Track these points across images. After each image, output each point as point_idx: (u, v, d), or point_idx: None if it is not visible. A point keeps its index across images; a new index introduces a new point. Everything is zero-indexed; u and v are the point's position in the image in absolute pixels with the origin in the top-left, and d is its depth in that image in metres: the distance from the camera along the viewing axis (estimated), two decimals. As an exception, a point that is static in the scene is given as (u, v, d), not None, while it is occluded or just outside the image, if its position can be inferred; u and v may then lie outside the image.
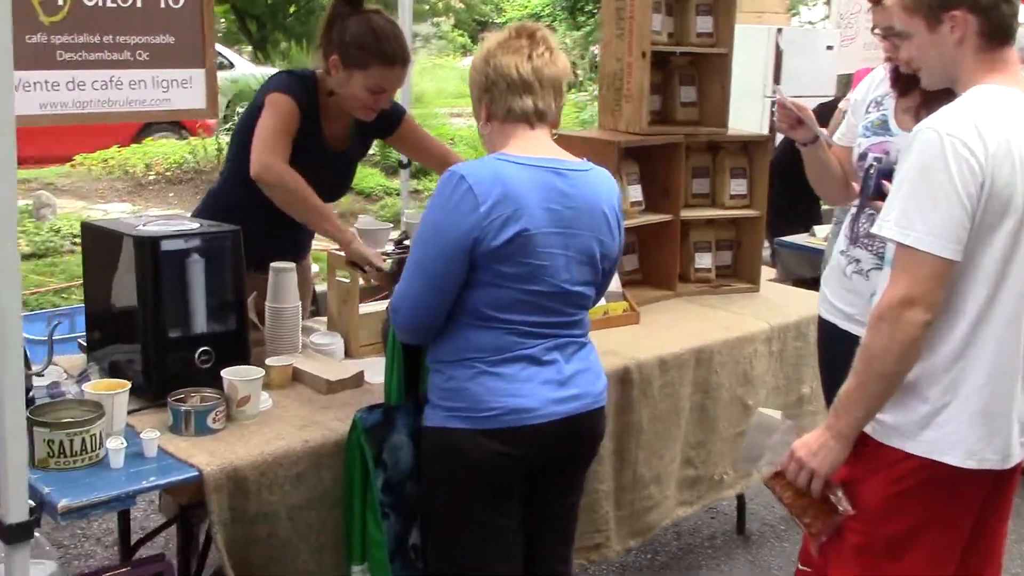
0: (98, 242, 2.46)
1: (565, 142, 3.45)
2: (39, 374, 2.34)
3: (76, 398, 2.20)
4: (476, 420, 2.08)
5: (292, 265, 2.75)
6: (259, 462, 2.12)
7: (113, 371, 2.43)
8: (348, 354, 2.77)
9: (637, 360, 2.90)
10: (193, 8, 4.51)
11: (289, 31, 18.90)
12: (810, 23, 14.22)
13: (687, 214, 3.58)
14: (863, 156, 2.65)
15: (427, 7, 22.75)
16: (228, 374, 2.28)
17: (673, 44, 3.49)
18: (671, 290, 3.57)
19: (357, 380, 2.55)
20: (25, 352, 2.30)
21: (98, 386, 2.19)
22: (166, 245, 2.30)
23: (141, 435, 2.09)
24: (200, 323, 2.38)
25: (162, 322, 2.31)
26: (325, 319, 2.93)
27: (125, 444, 2.04)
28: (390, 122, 3.02)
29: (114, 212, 8.02)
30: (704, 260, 3.70)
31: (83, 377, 2.43)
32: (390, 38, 2.73)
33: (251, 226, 2.68)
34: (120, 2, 4.34)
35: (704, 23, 3.49)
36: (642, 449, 2.96)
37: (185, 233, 2.35)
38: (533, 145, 2.14)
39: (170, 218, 2.53)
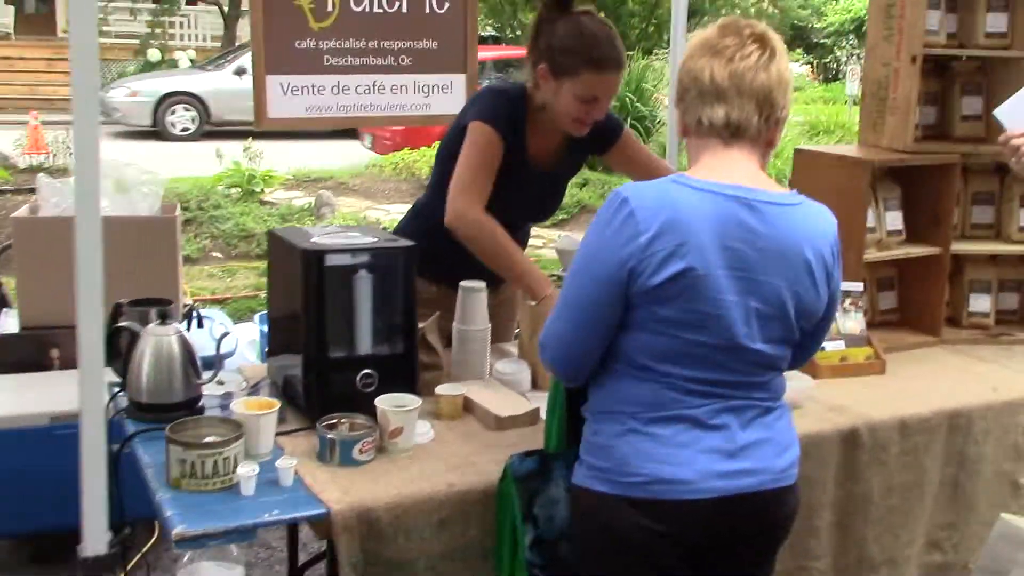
0: (278, 251, 2.39)
1: (811, 158, 3.05)
2: (207, 382, 2.29)
3: (223, 416, 2.12)
4: (620, 485, 1.78)
5: (482, 285, 2.55)
6: (395, 503, 1.93)
7: (286, 386, 2.35)
8: (536, 385, 2.53)
9: (869, 420, 2.45)
10: (457, 13, 4.48)
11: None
12: None
13: (962, 247, 3.04)
14: None
15: (738, 13, 22.12)
16: (383, 402, 2.12)
17: (954, 46, 2.96)
18: (934, 336, 3.04)
19: (532, 417, 2.30)
20: (195, 361, 2.27)
21: (248, 404, 2.10)
22: (332, 260, 2.18)
23: (278, 462, 1.96)
24: (365, 344, 2.23)
25: (323, 340, 2.19)
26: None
27: (257, 471, 1.92)
28: (606, 138, 2.75)
29: (395, 213, 8.31)
30: (981, 303, 3.12)
31: (254, 390, 2.37)
32: (601, 40, 2.47)
33: (451, 243, 2.55)
34: (387, 7, 4.39)
35: (996, 21, 2.94)
36: (872, 525, 2.50)
37: (354, 247, 2.22)
38: (724, 167, 1.79)
39: (353, 230, 2.41)
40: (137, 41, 18.27)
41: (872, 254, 2.88)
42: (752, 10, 22.92)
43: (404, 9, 4.39)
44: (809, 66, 28.96)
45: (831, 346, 2.76)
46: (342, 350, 2.22)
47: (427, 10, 4.40)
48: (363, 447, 2.05)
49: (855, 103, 19.19)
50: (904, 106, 2.87)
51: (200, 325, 4.05)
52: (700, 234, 1.71)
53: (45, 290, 3.25)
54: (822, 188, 2.85)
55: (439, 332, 2.53)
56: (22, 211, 3.51)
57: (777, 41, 1.81)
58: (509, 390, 2.46)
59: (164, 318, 2.28)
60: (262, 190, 8.59)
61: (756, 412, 1.83)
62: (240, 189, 8.49)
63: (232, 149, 8.67)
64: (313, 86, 4.35)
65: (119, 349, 2.28)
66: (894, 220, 2.94)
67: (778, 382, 1.88)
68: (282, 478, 1.95)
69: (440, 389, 2.34)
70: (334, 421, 2.11)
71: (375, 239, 2.30)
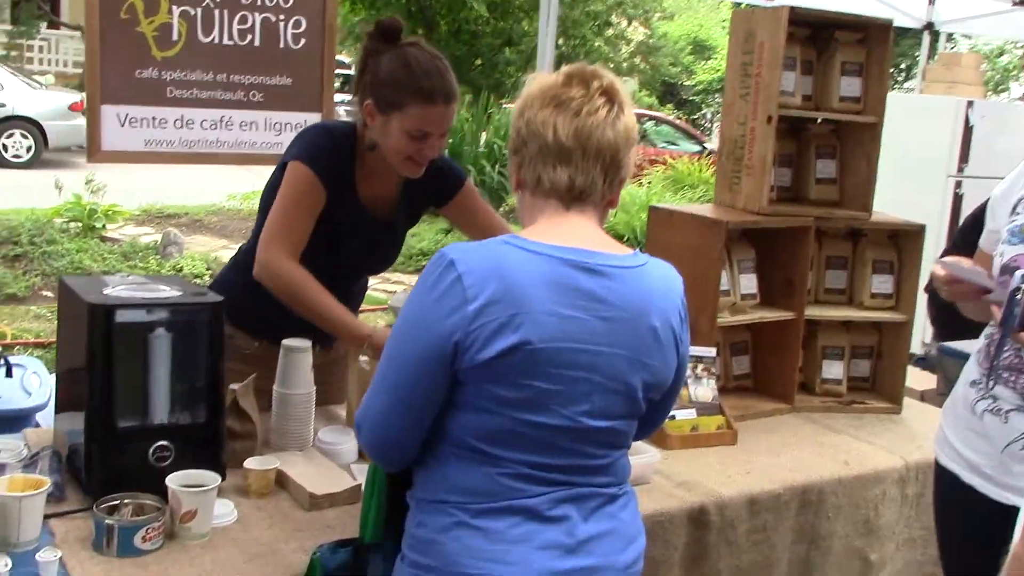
0: (67, 302, 2.09)
1: (666, 216, 2.93)
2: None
3: (-22, 497, 1.81)
4: None
5: (306, 344, 2.31)
6: (178, 604, 1.67)
7: (71, 457, 2.05)
8: (363, 456, 2.30)
9: (718, 497, 2.30)
10: (314, 48, 4.26)
11: (473, 84, 19.01)
12: (1021, 99, 13.02)
13: (816, 312, 2.95)
14: (1006, 269, 1.98)
15: (611, 67, 22.50)
16: (174, 481, 1.85)
17: (809, 108, 2.90)
18: (787, 403, 2.94)
19: (353, 495, 2.06)
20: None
21: (12, 483, 1.80)
22: (123, 316, 1.90)
23: (38, 555, 1.67)
24: (160, 412, 1.96)
25: (109, 406, 1.91)
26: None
27: (9, 566, 1.62)
28: (445, 189, 2.56)
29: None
30: (834, 370, 3.04)
31: (31, 462, 2.06)
32: (429, 71, 2.27)
33: (275, 302, 2.33)
34: (238, 39, 4.14)
35: (850, 85, 2.88)
36: (720, 610, 2.35)
37: (151, 302, 1.95)
38: (562, 230, 1.61)
39: (158, 280, 2.14)
40: (-10, 63, 17.35)
41: (726, 318, 2.76)
42: (624, 65, 23.43)
43: (257, 42, 4.15)
44: (680, 120, 29.71)
45: (682, 415, 2.62)
46: (133, 418, 1.94)
47: (281, 44, 4.17)
48: (147, 534, 1.78)
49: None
50: (759, 166, 2.78)
51: (9, 374, 3.68)
52: (535, 303, 1.52)
53: None
54: (676, 247, 2.74)
55: (257, 395, 2.28)
56: None
57: (624, 93, 1.65)
58: (330, 463, 2.22)
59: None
60: (103, 226, 8.07)
61: (600, 500, 1.64)
62: (80, 224, 7.97)
63: (75, 180, 8.15)
64: (154, 118, 4.06)
65: None
66: (748, 283, 2.84)
67: (622, 464, 1.70)
68: (43, 573, 1.66)
69: (249, 462, 2.08)
70: (116, 502, 1.83)
71: (179, 292, 2.03)
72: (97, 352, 1.90)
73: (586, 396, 1.57)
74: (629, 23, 22.79)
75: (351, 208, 2.42)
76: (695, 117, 29.38)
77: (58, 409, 2.22)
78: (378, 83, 2.28)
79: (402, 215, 2.56)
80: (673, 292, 1.68)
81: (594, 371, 1.57)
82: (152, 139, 4.09)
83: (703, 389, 2.69)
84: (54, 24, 19.33)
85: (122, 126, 4.06)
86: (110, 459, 1.92)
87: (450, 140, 11.35)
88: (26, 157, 13.70)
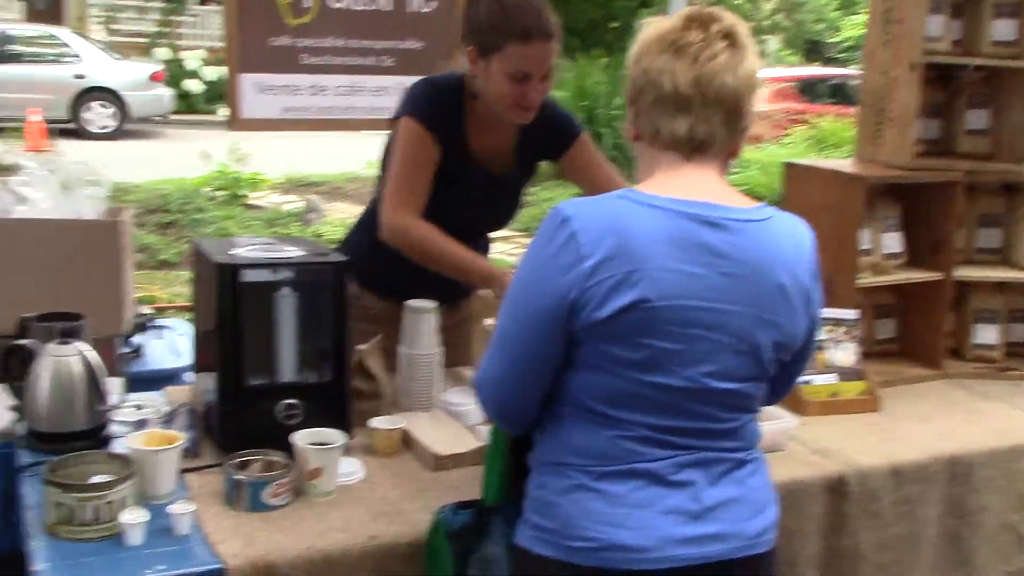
0: (199, 263, 2.14)
1: (802, 173, 2.80)
2: (112, 409, 2.05)
3: (113, 452, 1.88)
4: (566, 550, 1.52)
5: (430, 305, 2.30)
6: (304, 559, 1.68)
7: (207, 414, 2.10)
8: (489, 417, 2.28)
9: (858, 467, 2.19)
10: (443, 11, 4.26)
11: (608, 47, 18.76)
12: None
13: (966, 273, 2.77)
14: None
15: (752, 25, 21.83)
16: (300, 439, 1.87)
17: (958, 54, 2.70)
18: (936, 369, 2.78)
19: (477, 456, 2.04)
20: (100, 385, 2.03)
21: (148, 438, 1.86)
22: (249, 275, 1.93)
23: (171, 507, 1.72)
24: (288, 370, 1.99)
25: (239, 365, 1.95)
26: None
27: (146, 518, 1.67)
28: (559, 141, 2.49)
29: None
30: (987, 334, 2.86)
31: (170, 418, 2.13)
32: (524, 10, 2.22)
33: (397, 255, 2.33)
34: (367, 4, 4.18)
35: (1004, 28, 2.67)
36: (860, 583, 2.24)
37: (276, 262, 1.97)
38: (681, 182, 1.54)
39: (286, 241, 2.17)
40: (146, 40, 18.13)
41: (867, 278, 2.62)
42: (766, 22, 22.69)
43: (387, 7, 4.18)
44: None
45: (821, 380, 2.51)
46: (261, 377, 1.98)
47: (411, 8, 4.18)
48: (276, 490, 1.80)
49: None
50: (903, 118, 2.61)
51: (159, 336, 3.83)
52: (654, 259, 1.45)
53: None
54: (814, 205, 2.61)
55: (384, 355, 2.29)
56: (-44, 213, 3.27)
57: (747, 36, 1.56)
58: (456, 423, 2.21)
59: (67, 336, 2.03)
60: (247, 194, 8.34)
61: (727, 466, 1.57)
62: (226, 192, 8.26)
63: (218, 150, 8.46)
64: (289, 86, 4.14)
65: (15, 370, 2.04)
66: (892, 242, 2.69)
67: (751, 428, 1.62)
68: (176, 525, 1.70)
69: (375, 422, 2.09)
70: (246, 459, 1.86)
71: (304, 252, 2.05)
72: (225, 311, 1.93)
73: (709, 356, 1.50)
74: (770, -21, 22.04)
75: (463, 161, 2.39)
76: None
77: (196, 369, 2.29)
78: (477, 27, 2.26)
79: (517, 169, 2.51)
80: (802, 247, 1.58)
81: (717, 330, 1.50)
82: (288, 106, 4.17)
83: (843, 353, 2.56)
84: (204, 1, 20.04)
85: (259, 94, 4.14)
86: (240, 416, 1.96)
87: (584, 103, 11.21)
88: (112, 127, 14.04)
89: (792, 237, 1.57)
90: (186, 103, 16.91)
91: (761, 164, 9.86)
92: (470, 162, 2.40)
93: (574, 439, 1.54)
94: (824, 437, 2.31)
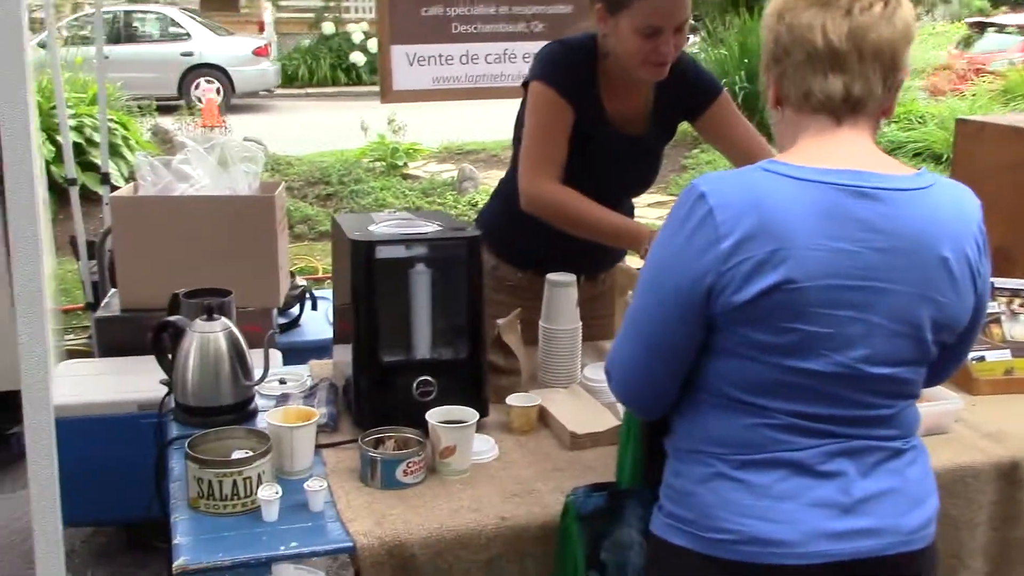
0: (338, 239, 2.15)
1: (975, 131, 2.55)
2: (257, 383, 2.08)
3: (252, 428, 1.91)
4: (705, 542, 1.44)
5: (570, 278, 2.24)
6: (435, 538, 1.66)
7: (346, 390, 2.12)
8: (630, 394, 2.21)
9: (1035, 452, 2.00)
10: (594, -27, 4.16)
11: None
12: None
13: None
14: None
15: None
16: (434, 416, 1.85)
17: None
18: None
19: (614, 436, 1.97)
20: (245, 360, 2.07)
21: (286, 415, 1.88)
22: (384, 252, 1.92)
23: (307, 483, 1.73)
24: (423, 347, 1.98)
25: (374, 342, 1.94)
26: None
27: (280, 494, 1.69)
28: (696, 100, 2.38)
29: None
30: None
31: (311, 393, 2.15)
32: None
33: (534, 225, 2.29)
34: (561, -20, 4.12)
35: None
36: (1036, 577, 2.06)
37: (409, 238, 1.95)
38: (829, 148, 1.42)
39: (423, 216, 2.15)
40: (312, 15, 18.67)
41: (1050, 245, 2.39)
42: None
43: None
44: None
45: (993, 356, 2.31)
46: (397, 354, 1.97)
47: (563, -29, 4.10)
48: (409, 468, 1.79)
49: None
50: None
51: (315, 307, 3.92)
52: (800, 236, 1.34)
53: (144, 271, 3.16)
54: (988, 165, 2.40)
55: (523, 327, 2.24)
56: (122, 191, 3.43)
57: None
58: (595, 401, 2.14)
59: (212, 312, 2.08)
60: (405, 164, 8.47)
61: (881, 455, 1.45)
62: (384, 163, 8.41)
63: (378, 121, 8.60)
64: (441, 55, 4.13)
65: (165, 345, 2.10)
66: (1080, 205, 2.43)
67: (909, 414, 1.49)
68: (311, 502, 1.72)
69: (512, 399, 2.05)
70: (380, 436, 1.86)
71: (439, 227, 2.02)
72: (360, 288, 1.93)
73: (864, 339, 1.38)
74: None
75: (599, 124, 2.31)
76: (1032, 19, 26.27)
77: (334, 340, 2.31)
78: None
79: (654, 129, 2.41)
80: (968, 217, 1.44)
81: (871, 311, 1.38)
82: (439, 76, 4.15)
83: (1020, 327, 2.35)
84: (368, -27, 20.43)
85: (411, 65, 4.15)
86: (376, 393, 1.96)
87: (745, 60, 10.79)
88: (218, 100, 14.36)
89: (956, 206, 1.44)
90: (353, 75, 17.37)
91: (940, 119, 9.26)
92: (606, 124, 2.32)
93: (712, 427, 1.45)
94: (996, 419, 2.12)
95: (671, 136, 2.48)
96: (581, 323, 2.26)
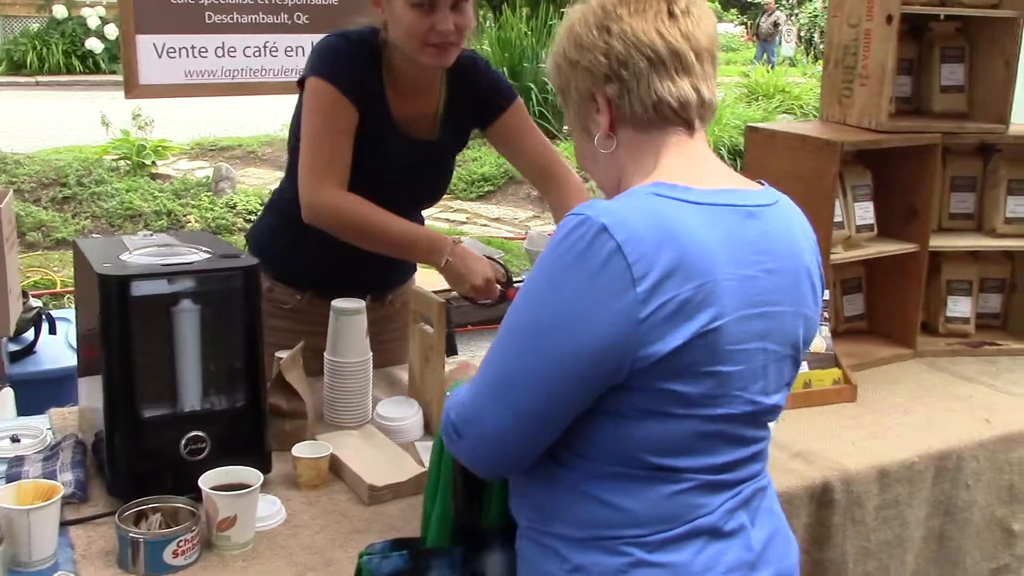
0: (82, 268, 1.80)
1: (765, 139, 2.53)
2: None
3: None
4: None
5: (358, 305, 2.01)
6: (217, 635, 1.40)
7: (96, 447, 1.78)
8: (429, 431, 2.01)
9: (843, 470, 1.97)
10: (358, -37, 3.91)
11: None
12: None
13: (940, 242, 2.57)
14: None
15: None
16: (208, 482, 1.57)
17: (935, 4, 2.46)
18: (909, 348, 2.57)
19: (418, 484, 1.77)
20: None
21: (22, 492, 1.53)
22: (141, 288, 1.61)
23: (51, 579, 1.41)
24: (191, 397, 1.68)
25: (130, 394, 1.63)
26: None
27: (13, 597, 1.36)
28: (490, 106, 2.20)
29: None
30: (960, 307, 2.66)
31: (53, 453, 1.80)
32: None
33: (316, 239, 2.04)
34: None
35: (982, -26, 2.44)
36: (845, 596, 2.03)
37: (172, 270, 1.65)
38: (701, 167, 1.29)
39: (185, 239, 1.84)
40: (42, -4, 17.17)
41: (840, 254, 2.39)
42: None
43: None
44: (744, 26, 28.67)
45: (791, 369, 2.28)
46: (160, 406, 1.66)
47: (325, -42, 3.83)
48: (180, 547, 1.50)
49: (791, 65, 18.86)
50: (877, 75, 2.37)
51: (52, 330, 3.46)
52: (717, 267, 1.19)
53: None
54: (780, 173, 2.35)
55: (305, 361, 1.98)
56: None
57: None
58: (391, 443, 1.92)
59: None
60: (153, 162, 7.82)
61: (759, 496, 1.35)
62: (130, 161, 7.72)
63: (121, 114, 7.87)
64: (193, 47, 3.76)
65: None
66: (864, 212, 2.46)
67: (767, 441, 1.39)
68: (55, 601, 1.40)
69: (298, 449, 1.79)
70: (143, 508, 1.56)
71: (207, 255, 1.73)
72: (112, 331, 1.61)
73: (763, 369, 1.27)
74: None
75: (384, 126, 2.09)
76: (759, 22, 28.24)
77: (79, 371, 1.95)
78: None
79: (445, 134, 2.21)
80: (808, 226, 1.39)
81: (768, 338, 1.27)
82: (193, 70, 3.79)
83: (817, 338, 2.33)
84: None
85: (160, 57, 3.76)
86: (134, 455, 1.65)
87: (506, 54, 10.80)
88: None
89: (800, 217, 1.37)
90: (90, 63, 16.12)
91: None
92: (393, 127, 2.11)
93: (620, 503, 1.24)
94: (802, 437, 2.08)
95: (463, 144, 2.29)
96: (371, 352, 2.04)
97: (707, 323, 1.18)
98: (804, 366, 2.30)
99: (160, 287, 1.63)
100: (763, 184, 1.36)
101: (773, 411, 1.33)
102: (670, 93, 1.26)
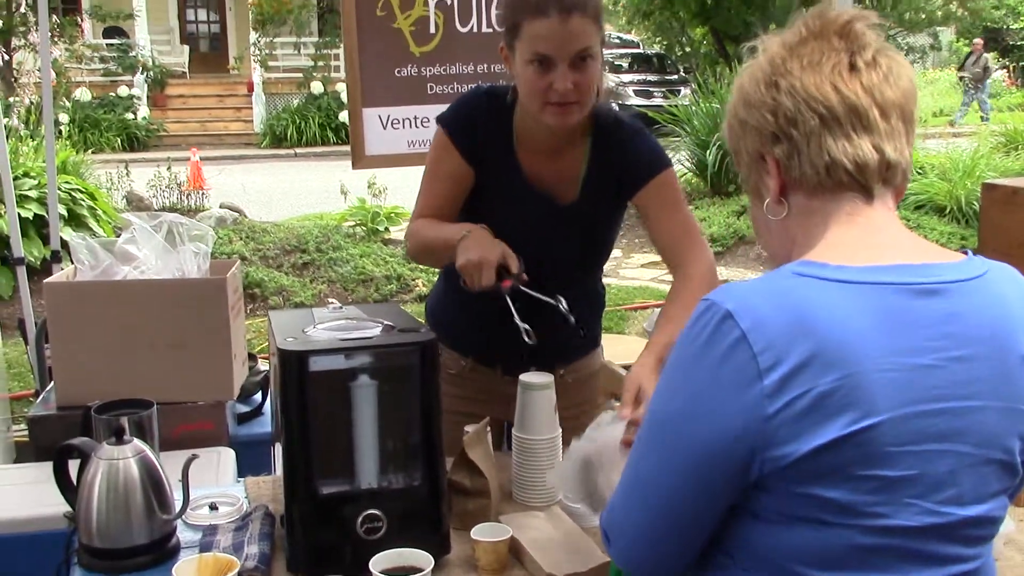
0: (272, 341, 1.83)
1: (1007, 197, 2.24)
2: (176, 517, 1.76)
3: None
4: None
5: (546, 379, 1.93)
6: None
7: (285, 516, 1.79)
8: (620, 514, 1.89)
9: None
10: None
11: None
12: None
13: None
14: None
15: (923, 16, 20.61)
16: (380, 564, 1.53)
17: None
18: None
19: (603, 572, 1.66)
20: (163, 490, 1.75)
21: (202, 567, 1.55)
22: (319, 363, 1.61)
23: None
24: (368, 474, 1.65)
25: (309, 470, 1.62)
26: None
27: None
28: (633, 176, 2.03)
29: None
30: None
31: (243, 523, 1.83)
32: None
33: (480, 311, 2.01)
34: (496, 25, 3.89)
35: None
36: None
37: (350, 345, 1.64)
38: (873, 238, 1.13)
39: (373, 312, 1.84)
40: (300, 75, 18.57)
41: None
42: (939, 12, 21.30)
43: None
44: (1005, 70, 26.90)
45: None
46: (337, 483, 1.64)
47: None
48: (348, 632, 1.46)
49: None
50: None
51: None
52: (867, 357, 1.04)
53: (82, 364, 2.85)
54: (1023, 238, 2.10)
55: (487, 435, 1.92)
56: (57, 276, 3.13)
57: (879, 37, 1.17)
58: (577, 528, 1.82)
59: (122, 434, 1.76)
60: (386, 228, 8.16)
61: None
62: (364, 228, 8.11)
63: (358, 183, 8.29)
64: (416, 117, 3.89)
65: (68, 474, 1.79)
66: None
67: (990, 564, 1.19)
68: None
69: (477, 531, 1.72)
70: (316, 588, 1.53)
71: (386, 328, 1.71)
72: (291, 405, 1.61)
73: (953, 476, 1.09)
74: (942, -33, 20.74)
75: (513, 181, 2.04)
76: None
77: (272, 439, 1.98)
78: (501, 16, 1.95)
79: (588, 197, 2.07)
80: None
81: (959, 438, 1.08)
82: (415, 139, 3.93)
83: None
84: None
85: (384, 129, 3.91)
86: (311, 531, 1.64)
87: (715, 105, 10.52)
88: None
89: (1018, 291, 1.16)
90: (342, 134, 17.22)
91: (941, 170, 8.95)
92: (523, 183, 2.05)
93: None
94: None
95: (615, 210, 2.13)
96: (560, 431, 1.95)
97: (855, 421, 1.02)
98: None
99: (338, 362, 1.62)
100: (968, 254, 1.17)
101: (977, 525, 1.12)
102: (845, 154, 1.11)
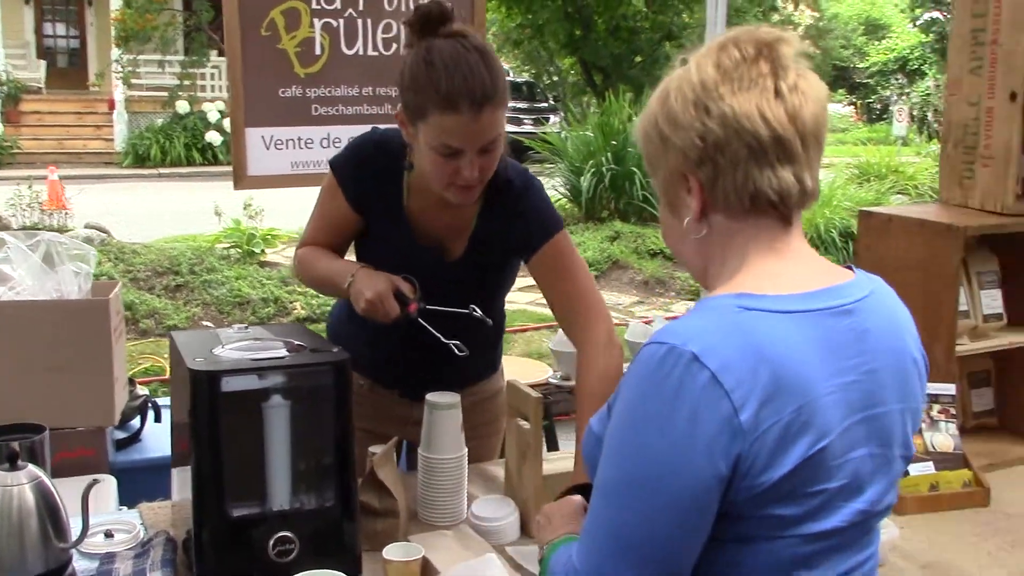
0: (176, 359, 1.79)
1: (881, 224, 2.41)
2: (74, 545, 1.69)
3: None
4: None
5: (453, 399, 1.95)
6: None
7: (187, 542, 1.74)
8: (525, 532, 1.91)
9: (979, 586, 1.80)
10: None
11: (632, 81, 18.45)
12: None
13: (1076, 332, 2.38)
14: None
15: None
16: (295, 586, 1.51)
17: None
18: (1046, 446, 2.38)
19: (513, 590, 1.68)
20: (59, 517, 1.68)
21: (106, 593, 1.50)
22: (231, 383, 1.58)
23: None
24: (280, 496, 1.63)
25: (219, 492, 1.59)
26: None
27: None
28: (526, 241, 2.00)
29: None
30: (1101, 401, 2.45)
31: (143, 550, 1.77)
32: (452, 69, 1.74)
33: (375, 335, 2.03)
34: (383, 49, 3.88)
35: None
36: None
37: (262, 365, 1.62)
38: (795, 265, 1.19)
39: (279, 333, 1.82)
40: (166, 93, 18.06)
41: (966, 345, 2.24)
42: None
43: (403, 51, 3.87)
44: (852, 106, 28.41)
45: (916, 469, 2.12)
46: (248, 505, 1.61)
47: (428, 51, 3.89)
48: (263, 656, 1.44)
49: (903, 144, 18.51)
50: (1002, 156, 2.24)
51: (158, 419, 3.49)
52: (815, 383, 1.09)
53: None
54: (898, 260, 2.23)
55: (394, 456, 1.92)
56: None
57: (801, 56, 1.19)
58: (487, 544, 1.84)
59: (15, 459, 1.68)
60: (262, 251, 8.01)
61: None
62: (240, 250, 7.93)
63: (233, 204, 8.09)
64: (300, 139, 3.84)
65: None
66: (991, 301, 2.30)
67: (877, 538, 1.27)
68: None
69: (389, 551, 1.72)
70: (228, 613, 1.50)
71: (296, 348, 1.70)
72: (201, 426, 1.58)
73: (872, 476, 1.16)
74: (796, 6, 21.75)
75: (398, 231, 2.02)
76: (870, 100, 27.99)
77: (173, 461, 1.92)
78: (403, 86, 1.82)
79: (471, 258, 2.04)
80: (905, 309, 1.27)
81: (876, 441, 1.16)
82: (299, 160, 3.87)
83: (941, 436, 2.17)
84: (222, 52, 19.94)
85: (267, 149, 3.85)
86: (222, 555, 1.60)
87: (612, 143, 10.81)
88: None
89: (894, 299, 1.26)
90: (209, 154, 16.83)
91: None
92: (410, 237, 2.02)
93: None
94: (931, 547, 1.91)
95: (505, 263, 2.10)
96: (466, 450, 1.97)
97: (812, 444, 1.08)
98: (930, 466, 2.14)
99: (251, 382, 1.59)
100: (852, 269, 1.24)
101: (880, 516, 1.21)
102: (770, 184, 1.15)
